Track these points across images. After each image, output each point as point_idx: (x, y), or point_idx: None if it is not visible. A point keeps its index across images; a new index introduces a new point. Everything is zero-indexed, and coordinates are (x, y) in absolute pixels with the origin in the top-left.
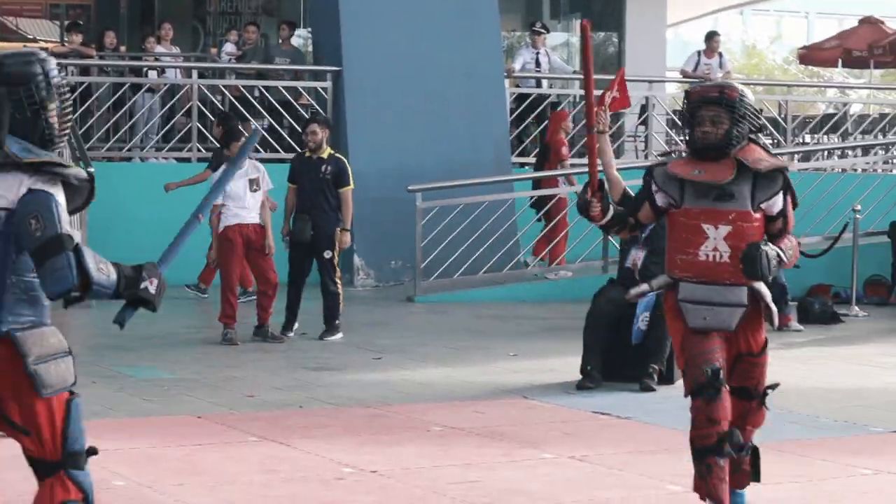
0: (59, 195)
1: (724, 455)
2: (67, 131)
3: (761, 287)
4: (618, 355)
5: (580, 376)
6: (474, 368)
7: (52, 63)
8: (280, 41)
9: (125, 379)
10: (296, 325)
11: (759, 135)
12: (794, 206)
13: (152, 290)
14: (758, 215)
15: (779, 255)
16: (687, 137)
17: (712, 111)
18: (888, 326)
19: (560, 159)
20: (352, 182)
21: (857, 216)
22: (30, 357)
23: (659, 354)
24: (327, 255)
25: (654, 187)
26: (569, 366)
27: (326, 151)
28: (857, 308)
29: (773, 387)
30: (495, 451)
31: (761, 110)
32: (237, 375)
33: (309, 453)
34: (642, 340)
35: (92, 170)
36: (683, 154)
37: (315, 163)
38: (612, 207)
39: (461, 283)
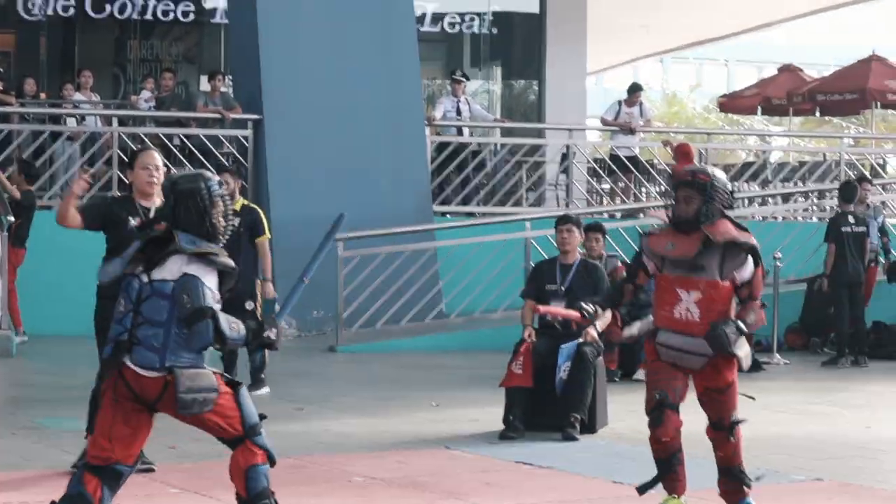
0: (208, 277)
1: (672, 467)
2: (230, 229)
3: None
4: (540, 405)
5: (502, 426)
6: (396, 418)
7: (214, 180)
8: (211, 90)
9: (43, 430)
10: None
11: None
12: (763, 274)
13: (272, 336)
14: (726, 283)
15: (738, 328)
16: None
17: (685, 192)
18: (809, 374)
19: None
20: (268, 231)
21: (778, 264)
22: (181, 387)
23: (581, 404)
24: (249, 306)
25: (643, 257)
26: (491, 416)
27: (239, 203)
28: (778, 356)
29: (740, 421)
30: (417, 502)
31: (733, 191)
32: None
33: None
34: (564, 390)
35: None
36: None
37: None
38: (607, 311)
39: (384, 332)
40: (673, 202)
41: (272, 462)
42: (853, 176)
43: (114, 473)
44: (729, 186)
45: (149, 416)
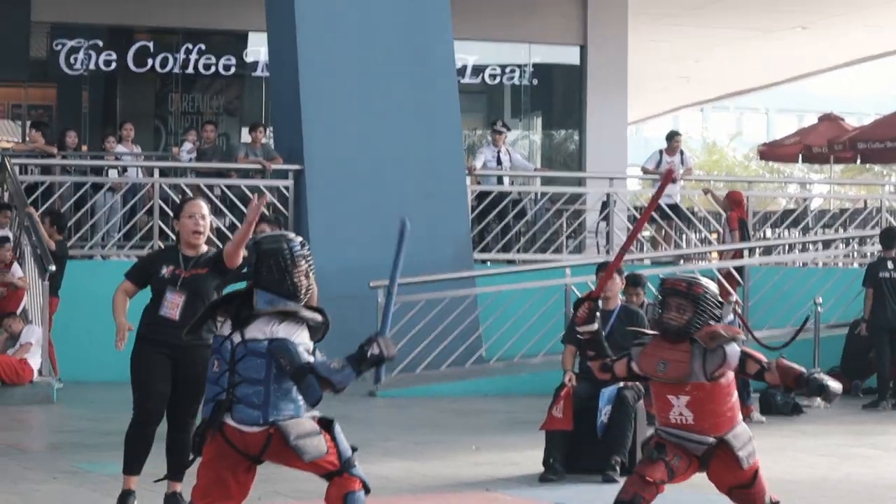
0: (298, 335)
1: None
2: (310, 287)
3: (731, 439)
4: (580, 448)
5: (542, 469)
6: (436, 462)
7: (297, 241)
8: (252, 141)
9: (85, 475)
10: None
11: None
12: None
13: (376, 351)
14: (715, 383)
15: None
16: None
17: (678, 301)
18: (849, 418)
19: None
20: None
21: (819, 309)
22: (291, 436)
23: (621, 447)
24: None
25: (632, 363)
26: (531, 458)
27: None
28: (818, 399)
29: (777, 502)
30: None
31: (721, 303)
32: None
33: None
34: (605, 433)
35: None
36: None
37: None
38: (598, 324)
39: (423, 377)
40: (661, 307)
41: (367, 490)
42: (894, 222)
43: None
44: (718, 297)
45: (247, 468)
